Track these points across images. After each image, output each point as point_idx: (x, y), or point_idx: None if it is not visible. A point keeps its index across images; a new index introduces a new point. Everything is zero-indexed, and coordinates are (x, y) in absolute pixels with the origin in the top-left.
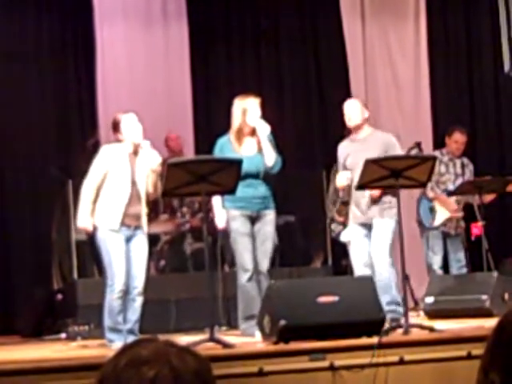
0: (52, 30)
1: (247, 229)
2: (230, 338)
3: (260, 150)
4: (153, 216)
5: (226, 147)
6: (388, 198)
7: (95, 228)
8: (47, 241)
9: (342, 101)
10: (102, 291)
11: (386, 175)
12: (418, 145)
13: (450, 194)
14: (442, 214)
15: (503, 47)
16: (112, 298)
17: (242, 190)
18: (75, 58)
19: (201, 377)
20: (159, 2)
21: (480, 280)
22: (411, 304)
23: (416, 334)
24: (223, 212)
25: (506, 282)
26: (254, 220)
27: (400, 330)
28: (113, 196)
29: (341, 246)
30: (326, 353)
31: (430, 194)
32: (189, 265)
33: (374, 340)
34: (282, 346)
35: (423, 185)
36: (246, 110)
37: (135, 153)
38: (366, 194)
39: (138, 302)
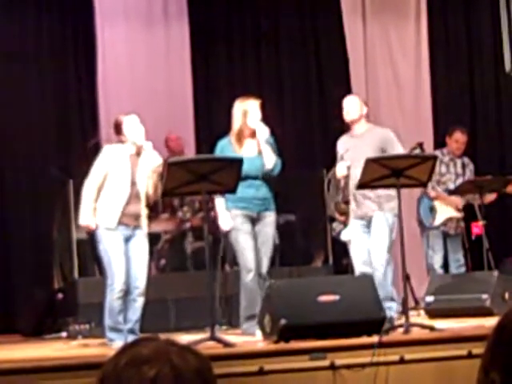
0: (52, 30)
1: (248, 228)
2: (231, 337)
3: (260, 151)
4: (153, 215)
5: (227, 149)
6: (386, 192)
7: (97, 226)
8: (47, 241)
9: (343, 100)
10: (102, 290)
11: (387, 174)
12: (420, 145)
13: (450, 193)
14: (442, 214)
15: (504, 47)
16: (112, 298)
17: (243, 190)
18: (75, 58)
19: (202, 376)
20: (160, 3)
21: (480, 279)
22: (412, 303)
23: (416, 333)
24: (228, 214)
25: (507, 282)
26: (254, 221)
27: (400, 329)
28: (112, 195)
29: (341, 245)
30: (327, 352)
31: (432, 193)
32: (189, 264)
33: (375, 339)
34: (282, 345)
35: (424, 184)
36: (247, 111)
37: (137, 154)
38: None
39: (138, 302)
